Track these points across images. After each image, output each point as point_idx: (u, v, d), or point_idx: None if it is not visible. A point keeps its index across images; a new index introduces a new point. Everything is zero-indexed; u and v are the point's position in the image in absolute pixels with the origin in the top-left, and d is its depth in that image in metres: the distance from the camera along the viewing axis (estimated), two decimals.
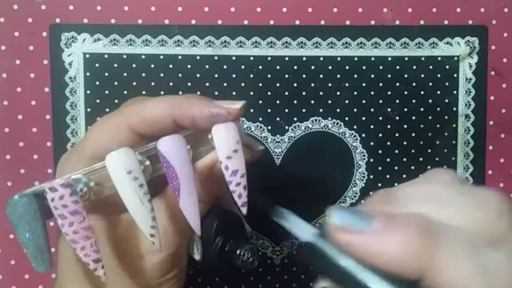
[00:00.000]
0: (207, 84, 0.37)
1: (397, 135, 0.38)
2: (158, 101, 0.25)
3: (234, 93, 0.37)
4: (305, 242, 0.19)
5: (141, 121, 0.25)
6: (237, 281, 0.37)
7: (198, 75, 0.37)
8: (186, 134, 0.25)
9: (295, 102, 0.37)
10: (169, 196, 0.26)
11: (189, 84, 0.37)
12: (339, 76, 0.37)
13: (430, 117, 0.38)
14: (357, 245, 0.17)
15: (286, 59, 0.37)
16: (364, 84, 0.37)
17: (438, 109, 0.38)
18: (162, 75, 0.36)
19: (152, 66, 0.36)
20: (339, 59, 0.37)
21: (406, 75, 0.37)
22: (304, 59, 0.37)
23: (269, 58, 0.37)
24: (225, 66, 0.37)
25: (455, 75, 0.38)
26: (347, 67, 0.37)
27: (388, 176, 0.38)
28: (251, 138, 0.31)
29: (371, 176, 0.38)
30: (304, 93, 0.37)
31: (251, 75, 0.37)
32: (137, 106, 0.26)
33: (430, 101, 0.38)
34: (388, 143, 0.38)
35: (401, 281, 0.17)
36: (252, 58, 0.37)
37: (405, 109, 0.38)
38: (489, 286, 0.16)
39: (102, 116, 0.27)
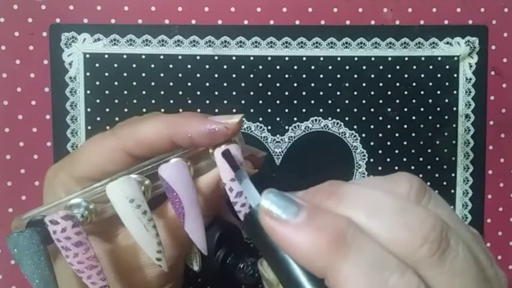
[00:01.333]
0: (207, 84, 0.37)
1: (397, 135, 0.38)
2: (153, 123, 0.25)
3: (234, 93, 0.37)
4: (251, 209, 0.20)
5: (137, 144, 0.25)
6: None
7: (198, 75, 0.37)
8: (186, 151, 0.25)
9: (295, 102, 0.37)
10: (167, 211, 0.26)
11: (189, 84, 0.36)
12: (339, 76, 0.37)
13: (430, 117, 0.38)
14: (277, 232, 0.18)
15: (286, 59, 0.37)
16: (364, 84, 0.37)
17: (438, 109, 0.38)
18: (162, 75, 0.36)
19: (152, 66, 0.36)
20: (339, 59, 0.37)
21: (406, 75, 0.37)
22: (304, 59, 0.37)
23: (269, 58, 0.37)
24: (225, 66, 0.37)
25: (455, 75, 0.38)
26: (347, 67, 0.37)
27: None
28: (252, 147, 0.30)
29: (371, 176, 0.38)
30: (304, 93, 0.37)
31: (251, 75, 0.37)
32: (132, 129, 0.25)
33: (430, 101, 0.38)
34: (388, 143, 0.38)
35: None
36: (252, 58, 0.37)
37: (405, 109, 0.38)
38: None
39: (94, 135, 0.27)
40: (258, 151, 0.29)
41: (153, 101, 0.36)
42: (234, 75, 0.37)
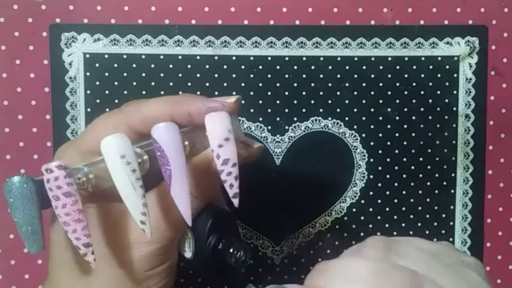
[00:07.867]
0: (207, 84, 0.37)
1: (397, 135, 0.38)
2: (157, 101, 0.27)
3: (234, 93, 0.37)
4: None
5: (140, 119, 0.26)
6: (237, 281, 0.37)
7: (198, 75, 0.37)
8: (184, 130, 0.25)
9: (295, 102, 0.37)
10: (163, 189, 0.26)
11: (189, 84, 0.37)
12: (339, 76, 0.37)
13: (430, 117, 0.38)
14: None
15: (286, 59, 0.37)
16: (364, 84, 0.37)
17: (438, 109, 0.38)
18: (162, 75, 0.36)
19: (152, 66, 0.36)
20: (339, 59, 0.37)
21: (406, 75, 0.37)
22: (304, 59, 0.37)
23: (269, 58, 0.37)
24: (225, 66, 0.37)
25: (455, 75, 0.38)
26: (347, 67, 0.37)
27: (388, 176, 0.38)
28: (250, 138, 0.31)
29: (371, 176, 0.38)
30: (304, 93, 0.37)
31: (251, 75, 0.37)
32: (137, 105, 0.27)
33: (430, 101, 0.38)
34: (388, 143, 0.38)
35: None
36: (252, 58, 0.37)
37: (405, 109, 0.38)
38: None
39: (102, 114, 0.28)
40: (255, 142, 0.29)
41: None
42: (234, 75, 0.37)
